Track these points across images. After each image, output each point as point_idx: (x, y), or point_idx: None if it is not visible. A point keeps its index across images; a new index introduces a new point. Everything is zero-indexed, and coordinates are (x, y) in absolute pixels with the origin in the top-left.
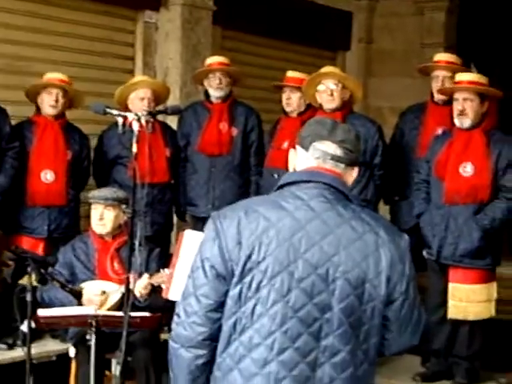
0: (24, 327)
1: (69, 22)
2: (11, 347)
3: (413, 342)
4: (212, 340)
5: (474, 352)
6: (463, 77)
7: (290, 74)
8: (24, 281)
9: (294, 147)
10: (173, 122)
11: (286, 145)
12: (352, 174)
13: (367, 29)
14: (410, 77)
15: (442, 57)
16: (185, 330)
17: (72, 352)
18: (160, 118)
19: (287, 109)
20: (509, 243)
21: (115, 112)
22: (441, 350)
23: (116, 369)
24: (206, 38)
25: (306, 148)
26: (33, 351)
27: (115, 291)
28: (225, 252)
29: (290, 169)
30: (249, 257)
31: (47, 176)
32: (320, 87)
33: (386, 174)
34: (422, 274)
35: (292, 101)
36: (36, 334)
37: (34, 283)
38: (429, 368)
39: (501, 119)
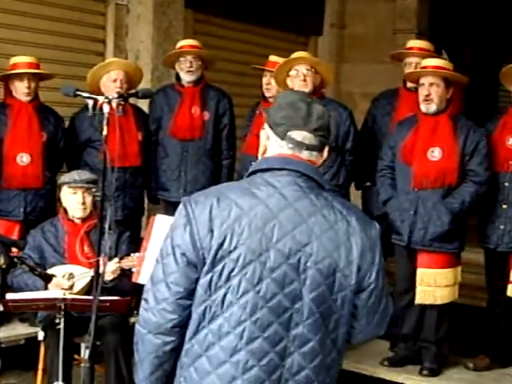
0: None
1: (39, 3)
2: None
3: (379, 332)
4: (181, 327)
5: (441, 336)
6: (429, 62)
7: (272, 58)
8: None
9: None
10: (143, 105)
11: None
12: (323, 156)
13: (339, 14)
14: (382, 62)
15: (414, 43)
16: (154, 316)
17: (41, 336)
18: (132, 101)
19: (267, 94)
20: (479, 229)
21: (85, 94)
22: (409, 335)
23: (85, 353)
24: (177, 21)
25: (281, 136)
26: (1, 334)
27: (84, 274)
28: (196, 239)
29: (261, 150)
30: (220, 245)
31: (23, 159)
32: (292, 72)
33: (356, 159)
34: (389, 259)
35: (272, 86)
36: (4, 318)
37: (3, 266)
38: (397, 353)
39: (470, 105)
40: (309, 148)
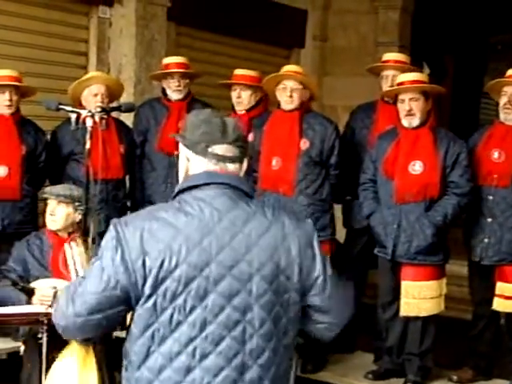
0: None
1: (21, 16)
2: None
3: (348, 315)
4: (87, 339)
5: (426, 349)
6: (406, 77)
7: (239, 71)
8: None
9: None
10: (126, 119)
11: None
12: (244, 165)
13: (322, 26)
14: (364, 75)
15: (390, 56)
16: (65, 325)
17: (23, 350)
18: (114, 114)
19: (238, 107)
20: (464, 240)
21: (68, 108)
22: (393, 348)
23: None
24: (160, 34)
25: (202, 154)
26: None
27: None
28: (128, 263)
29: (182, 171)
30: (160, 267)
31: (0, 171)
32: (280, 86)
33: (341, 174)
34: (373, 271)
35: (242, 99)
36: None
37: None
38: (381, 366)
39: (452, 115)
40: (232, 160)
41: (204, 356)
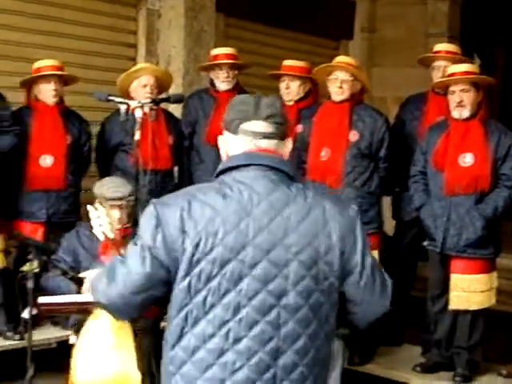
0: (25, 314)
1: (72, 8)
2: (15, 334)
3: (384, 310)
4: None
5: (475, 342)
6: (457, 68)
7: (288, 62)
8: (25, 268)
9: (291, 134)
10: (175, 110)
11: None
12: (287, 146)
13: (370, 18)
14: (413, 66)
15: (441, 47)
16: (107, 303)
17: (73, 339)
18: (162, 106)
19: (286, 98)
20: None
21: (118, 99)
22: (442, 341)
23: None
24: (209, 25)
25: (235, 132)
26: (33, 338)
27: None
28: (168, 241)
29: (223, 155)
30: (196, 248)
31: (46, 160)
32: (331, 76)
33: (390, 167)
34: (423, 264)
35: (291, 89)
36: (37, 321)
37: (36, 270)
38: (429, 359)
39: (503, 107)
40: (266, 136)
41: (237, 339)
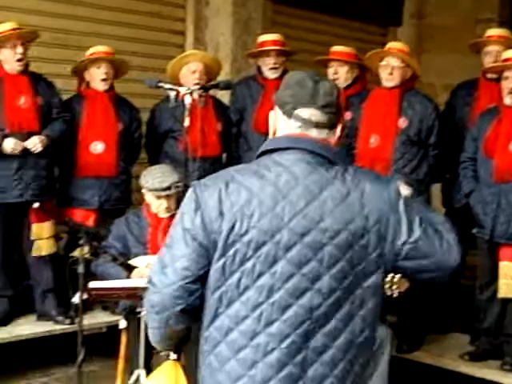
0: (76, 299)
1: None
2: (66, 319)
3: (455, 262)
4: (189, 312)
5: None
6: (511, 53)
7: (336, 48)
8: (76, 253)
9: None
10: (223, 96)
11: None
12: (336, 133)
13: (419, 4)
14: (463, 53)
15: (494, 32)
16: (161, 299)
17: (122, 324)
18: (210, 92)
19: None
20: None
21: (167, 86)
22: (491, 329)
23: None
24: (257, 12)
25: (288, 115)
26: (84, 322)
27: None
28: (207, 222)
29: (271, 131)
30: (231, 229)
31: (97, 147)
32: (383, 62)
33: (440, 154)
34: (472, 252)
35: (339, 75)
36: (87, 306)
37: (86, 256)
38: (478, 347)
39: None
40: (318, 125)
41: (270, 322)
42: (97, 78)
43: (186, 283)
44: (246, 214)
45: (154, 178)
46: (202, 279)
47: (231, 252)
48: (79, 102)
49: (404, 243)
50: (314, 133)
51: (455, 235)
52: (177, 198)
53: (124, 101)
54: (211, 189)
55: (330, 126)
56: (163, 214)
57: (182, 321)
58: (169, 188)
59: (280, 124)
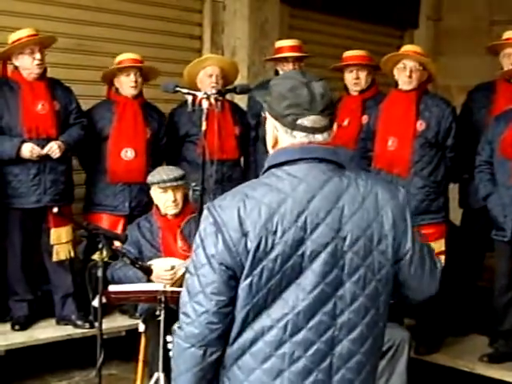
0: (95, 303)
1: (137, 1)
2: (85, 323)
3: (431, 293)
4: (225, 335)
5: None
6: None
7: (353, 52)
8: (96, 257)
9: (355, 124)
10: (240, 101)
11: (346, 122)
12: (333, 132)
13: (436, 6)
14: (479, 55)
15: (511, 34)
16: (197, 329)
17: (141, 327)
18: (228, 97)
19: (355, 88)
20: None
21: (185, 90)
22: (510, 331)
23: None
24: (273, 16)
25: (291, 127)
26: (103, 326)
27: (180, 266)
28: (231, 246)
29: (271, 142)
30: (257, 248)
31: (127, 153)
32: (399, 65)
33: (457, 156)
34: (490, 254)
35: (361, 79)
36: (106, 310)
37: (106, 259)
38: (497, 349)
39: None
40: (321, 130)
41: (295, 331)
42: (126, 85)
43: (220, 307)
44: (269, 231)
45: (160, 173)
46: (234, 300)
47: (258, 270)
48: (109, 107)
49: (407, 252)
50: (318, 138)
51: (441, 265)
52: (183, 194)
53: (152, 107)
54: (229, 210)
55: (331, 127)
56: (172, 210)
57: (220, 346)
58: (175, 179)
59: (282, 136)
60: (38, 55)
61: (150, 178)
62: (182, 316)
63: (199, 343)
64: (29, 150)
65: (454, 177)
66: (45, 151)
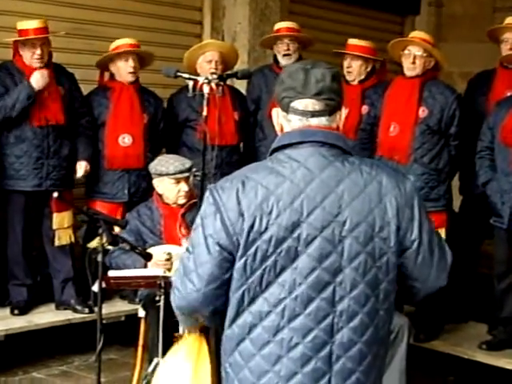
0: (95, 288)
1: None
2: (84, 308)
3: (440, 284)
4: (216, 313)
5: None
6: None
7: (352, 41)
8: (95, 242)
9: (355, 114)
10: (240, 86)
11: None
12: (341, 117)
13: None
14: (481, 42)
15: (511, 19)
16: (188, 304)
17: (141, 313)
18: (228, 82)
19: (348, 77)
20: None
21: (186, 75)
22: (509, 319)
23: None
24: (274, 2)
25: (286, 110)
26: (103, 311)
27: (180, 252)
28: (228, 225)
29: (277, 128)
30: (251, 228)
31: (125, 140)
32: (405, 51)
33: (461, 144)
34: (489, 241)
35: (352, 69)
36: (105, 295)
37: (106, 244)
38: (496, 336)
39: None
40: (315, 114)
41: (293, 317)
42: (124, 71)
43: (211, 289)
44: (264, 212)
45: (171, 163)
46: (227, 283)
47: (252, 250)
48: (104, 94)
49: (414, 241)
50: (314, 122)
51: (451, 257)
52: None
53: (149, 92)
54: (228, 191)
55: (329, 112)
56: (183, 200)
57: (214, 320)
58: (188, 169)
59: (282, 120)
60: (38, 50)
61: (160, 169)
62: (173, 289)
63: (190, 314)
64: (37, 77)
65: (458, 167)
66: (80, 175)
